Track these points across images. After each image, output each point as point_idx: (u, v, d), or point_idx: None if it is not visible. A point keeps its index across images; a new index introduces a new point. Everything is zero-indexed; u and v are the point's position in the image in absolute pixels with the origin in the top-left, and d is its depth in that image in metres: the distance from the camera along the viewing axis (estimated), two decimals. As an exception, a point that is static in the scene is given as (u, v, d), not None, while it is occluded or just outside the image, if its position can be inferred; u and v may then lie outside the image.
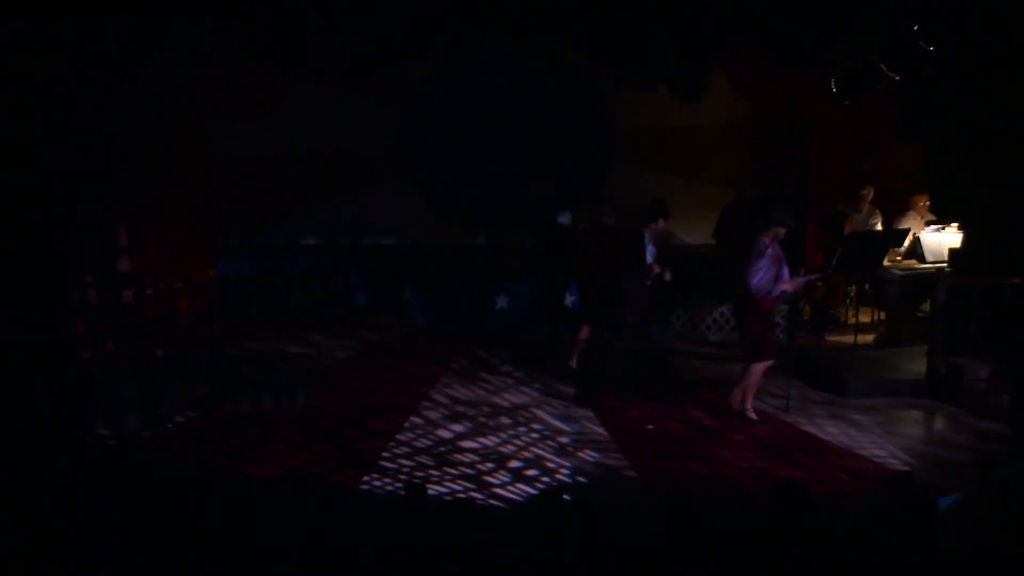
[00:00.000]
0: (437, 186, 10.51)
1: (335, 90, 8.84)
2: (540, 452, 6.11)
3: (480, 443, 6.26)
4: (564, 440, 6.34)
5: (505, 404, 7.16)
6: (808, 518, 4.37)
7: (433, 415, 6.83)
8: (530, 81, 10.17)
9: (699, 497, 5.27)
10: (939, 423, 6.78)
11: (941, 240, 8.13)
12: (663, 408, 7.04)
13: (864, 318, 8.92)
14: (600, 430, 6.58)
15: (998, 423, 6.62)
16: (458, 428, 6.56)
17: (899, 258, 8.58)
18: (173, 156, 8.74)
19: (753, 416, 6.69)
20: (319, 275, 10.46)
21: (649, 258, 7.23)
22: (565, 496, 5.02)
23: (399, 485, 5.44)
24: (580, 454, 6.08)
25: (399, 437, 6.34)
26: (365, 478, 5.59)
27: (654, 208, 7.32)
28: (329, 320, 9.89)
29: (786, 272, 6.50)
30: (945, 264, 7.85)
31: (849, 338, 8.59)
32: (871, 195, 8.94)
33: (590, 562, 4.17)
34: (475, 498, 5.33)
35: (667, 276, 7.28)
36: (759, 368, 6.63)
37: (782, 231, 6.45)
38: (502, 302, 9.66)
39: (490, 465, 5.85)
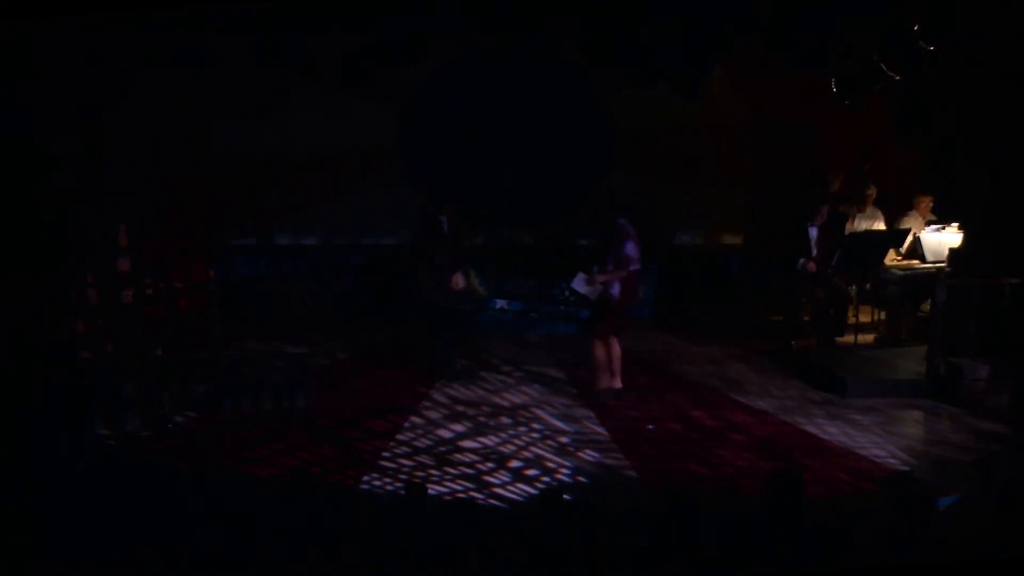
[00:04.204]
0: (437, 186, 10.50)
1: (335, 90, 8.84)
2: (540, 452, 6.10)
3: (480, 443, 6.25)
4: (564, 440, 6.34)
5: (505, 404, 7.16)
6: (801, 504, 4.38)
7: (433, 415, 6.83)
8: (530, 81, 10.17)
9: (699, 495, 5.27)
10: (939, 423, 6.77)
11: (941, 240, 8.13)
12: (663, 408, 7.04)
13: (864, 318, 8.92)
14: (600, 430, 6.58)
15: (998, 423, 6.61)
16: (458, 428, 6.56)
17: (899, 258, 8.59)
18: (173, 156, 8.72)
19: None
20: (319, 275, 10.45)
21: None
22: (565, 496, 5.02)
23: (399, 485, 5.44)
24: (580, 454, 6.08)
25: (399, 437, 6.34)
26: (365, 478, 5.58)
27: None
28: (329, 320, 9.88)
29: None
30: (945, 264, 7.85)
31: (849, 338, 8.60)
32: (874, 195, 8.94)
33: (590, 562, 4.17)
34: (475, 498, 5.33)
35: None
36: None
37: None
38: (501, 302, 9.65)
39: (490, 465, 5.84)
